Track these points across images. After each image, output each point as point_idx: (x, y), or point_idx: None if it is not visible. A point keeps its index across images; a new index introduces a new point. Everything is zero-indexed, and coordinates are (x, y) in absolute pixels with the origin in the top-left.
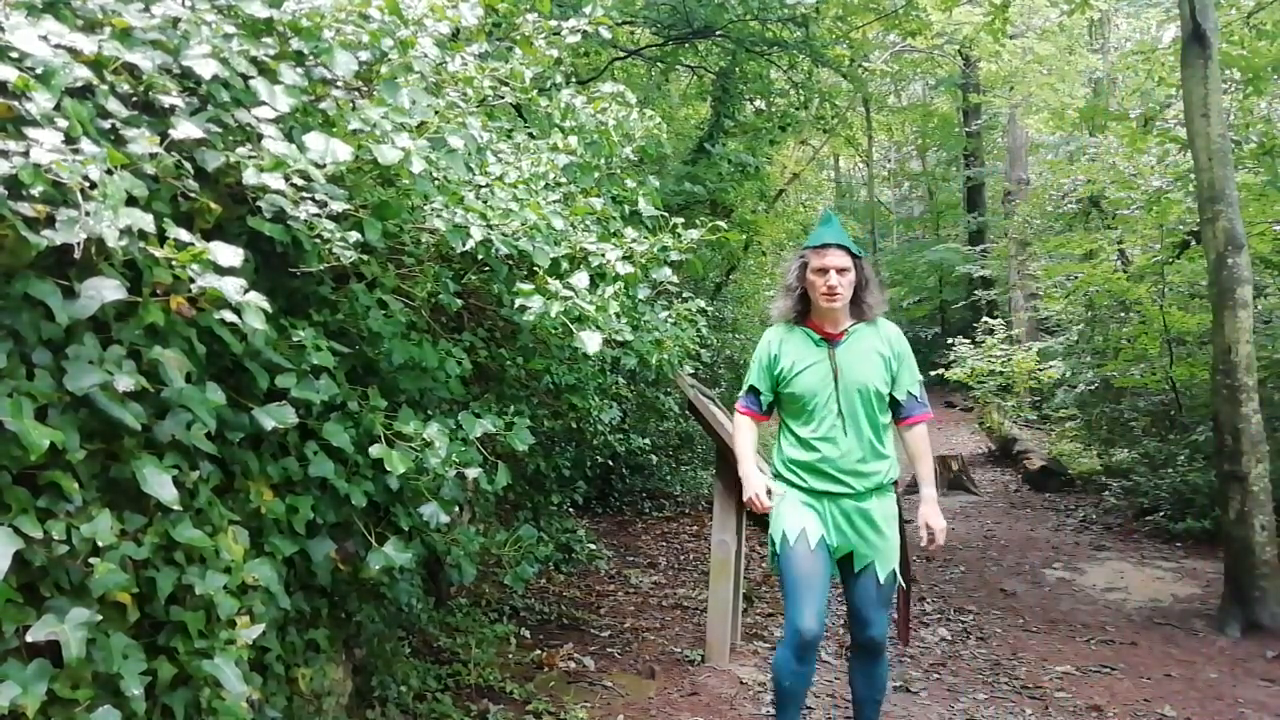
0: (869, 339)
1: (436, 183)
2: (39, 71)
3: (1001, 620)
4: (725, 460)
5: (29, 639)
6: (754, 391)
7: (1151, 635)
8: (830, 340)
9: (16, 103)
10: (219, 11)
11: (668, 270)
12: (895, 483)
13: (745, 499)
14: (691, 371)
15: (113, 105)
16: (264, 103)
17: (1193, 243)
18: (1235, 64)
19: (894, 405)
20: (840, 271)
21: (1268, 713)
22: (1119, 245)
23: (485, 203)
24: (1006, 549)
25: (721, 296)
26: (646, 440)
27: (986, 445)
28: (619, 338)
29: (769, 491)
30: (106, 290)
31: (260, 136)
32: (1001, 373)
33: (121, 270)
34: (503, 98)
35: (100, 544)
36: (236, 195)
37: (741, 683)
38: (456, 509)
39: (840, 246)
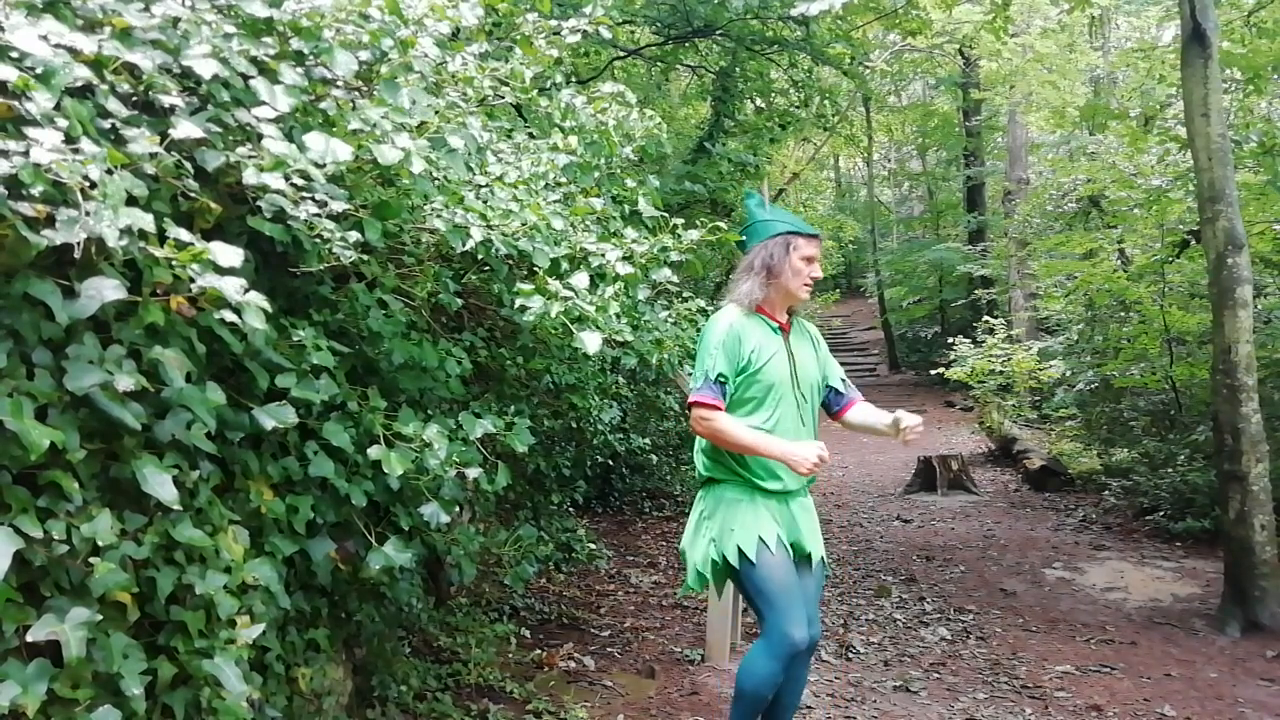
0: (803, 332)
1: (436, 183)
2: (39, 71)
3: (1001, 620)
4: None
5: (29, 638)
6: (721, 381)
7: (1151, 635)
8: (783, 330)
9: (16, 102)
10: (219, 11)
11: (668, 270)
12: None
13: (809, 469)
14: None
15: (113, 105)
16: (264, 103)
17: (1193, 242)
18: (1235, 63)
19: (833, 395)
20: (819, 264)
21: (1268, 712)
22: (1119, 245)
23: (485, 203)
24: (1006, 549)
25: (721, 296)
26: (646, 440)
27: (986, 445)
28: (619, 338)
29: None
30: (106, 290)
31: (260, 136)
32: (1001, 372)
33: (121, 270)
34: (503, 98)
35: (100, 544)
36: (236, 195)
37: None
38: (456, 509)
39: (820, 239)
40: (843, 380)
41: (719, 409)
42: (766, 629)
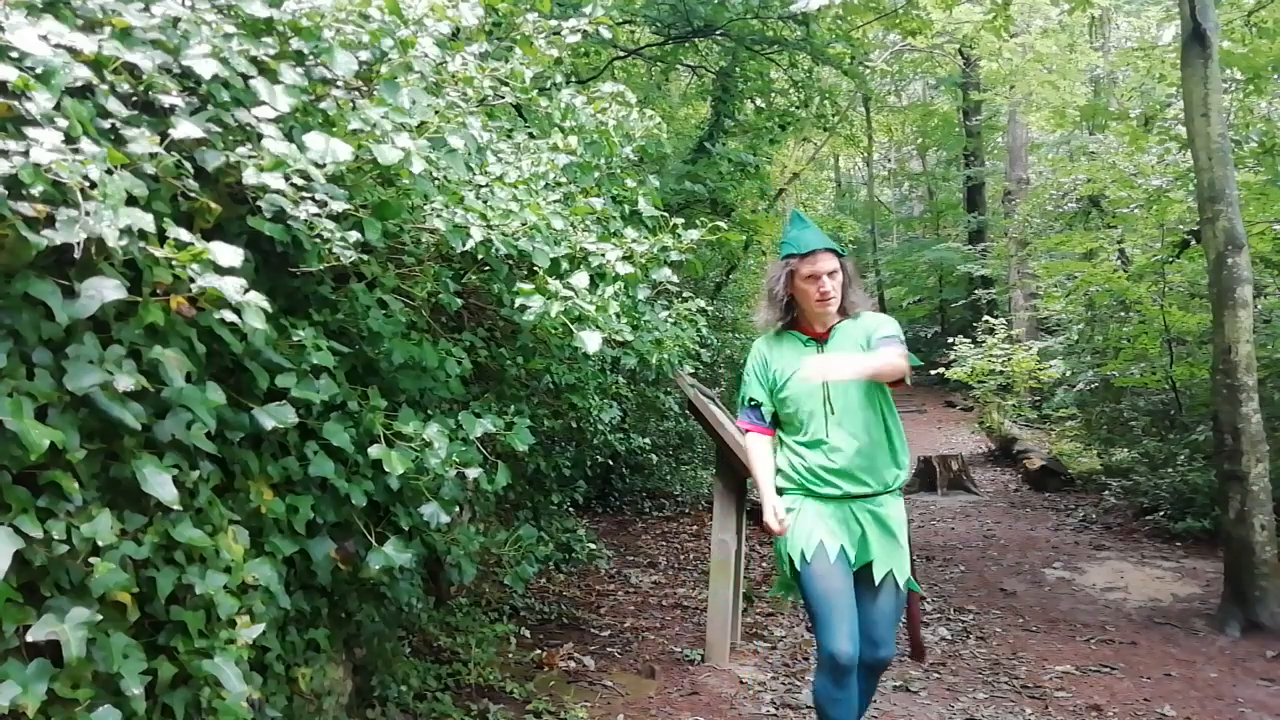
0: (852, 332)
1: (436, 183)
2: (39, 71)
3: (1001, 620)
4: (725, 460)
5: (29, 638)
6: (755, 405)
7: (1151, 635)
8: (818, 340)
9: (16, 102)
10: (219, 11)
11: (668, 270)
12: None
13: (765, 522)
14: (691, 371)
15: (113, 105)
16: (264, 102)
17: (1193, 242)
18: (1236, 63)
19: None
20: (830, 275)
21: (1268, 712)
22: (1119, 244)
23: (485, 203)
24: (1006, 549)
25: (721, 296)
26: (646, 440)
27: (986, 445)
28: (619, 337)
29: (785, 511)
30: (106, 290)
31: (260, 136)
32: (1001, 372)
33: (121, 270)
34: (503, 98)
35: (100, 543)
36: (236, 195)
37: (741, 682)
38: (456, 509)
39: (827, 250)
40: (883, 336)
41: (753, 432)
42: (816, 641)
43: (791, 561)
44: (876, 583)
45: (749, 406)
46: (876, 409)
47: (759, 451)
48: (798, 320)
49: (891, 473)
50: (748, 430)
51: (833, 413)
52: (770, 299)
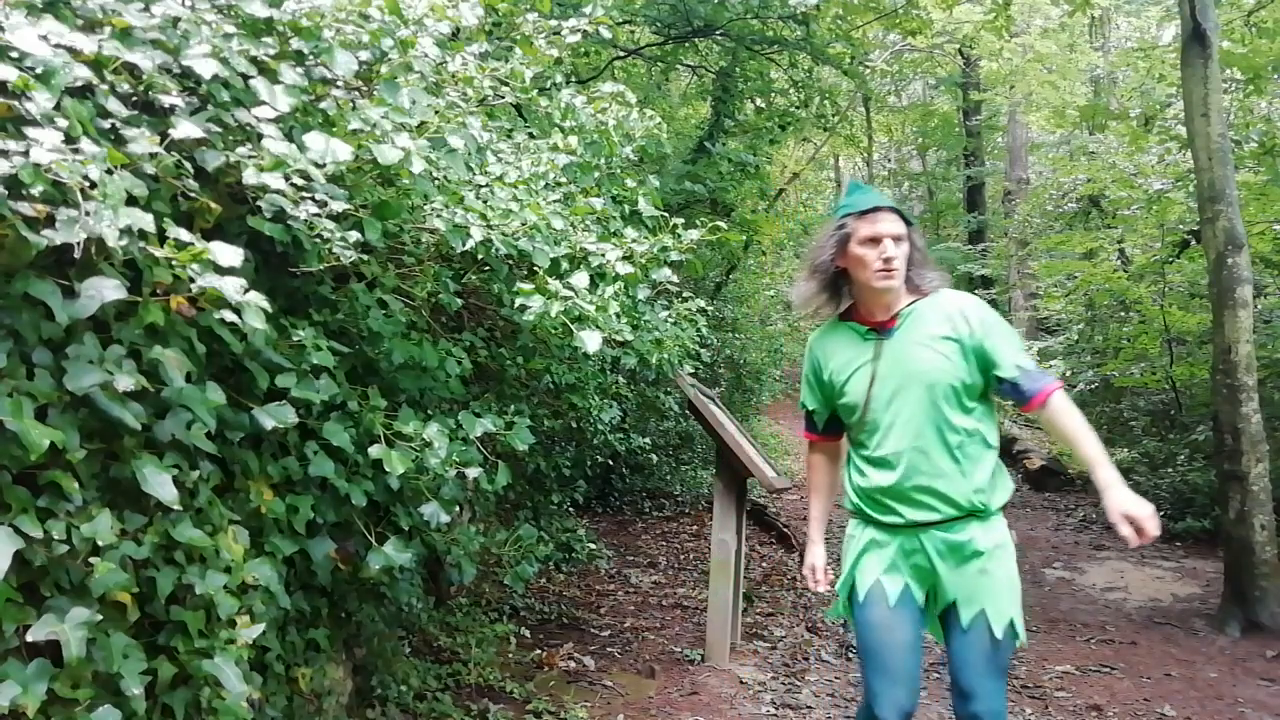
0: (929, 320)
1: (436, 183)
2: (39, 71)
3: None
4: (725, 460)
5: (29, 638)
6: (807, 411)
7: (1151, 635)
8: (880, 330)
9: (16, 102)
10: (219, 11)
11: (668, 270)
12: (1003, 506)
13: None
14: (691, 371)
15: (113, 105)
16: (264, 102)
17: (1193, 242)
18: (1236, 63)
19: (1012, 389)
20: (896, 240)
21: (1268, 712)
22: (1119, 245)
23: (485, 203)
24: None
25: (721, 296)
26: (646, 440)
27: None
28: (619, 337)
29: (824, 569)
30: (106, 290)
31: (260, 136)
32: None
33: (121, 270)
34: (503, 98)
35: (100, 543)
36: (236, 195)
37: (741, 682)
38: (456, 508)
39: (893, 210)
40: (1018, 367)
41: (812, 440)
42: (863, 689)
43: (842, 590)
44: (964, 626)
45: (804, 412)
46: (942, 417)
47: (814, 472)
48: (854, 309)
49: (971, 493)
50: (805, 438)
51: (887, 421)
52: (813, 269)
